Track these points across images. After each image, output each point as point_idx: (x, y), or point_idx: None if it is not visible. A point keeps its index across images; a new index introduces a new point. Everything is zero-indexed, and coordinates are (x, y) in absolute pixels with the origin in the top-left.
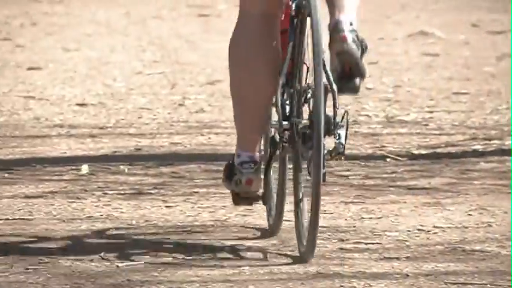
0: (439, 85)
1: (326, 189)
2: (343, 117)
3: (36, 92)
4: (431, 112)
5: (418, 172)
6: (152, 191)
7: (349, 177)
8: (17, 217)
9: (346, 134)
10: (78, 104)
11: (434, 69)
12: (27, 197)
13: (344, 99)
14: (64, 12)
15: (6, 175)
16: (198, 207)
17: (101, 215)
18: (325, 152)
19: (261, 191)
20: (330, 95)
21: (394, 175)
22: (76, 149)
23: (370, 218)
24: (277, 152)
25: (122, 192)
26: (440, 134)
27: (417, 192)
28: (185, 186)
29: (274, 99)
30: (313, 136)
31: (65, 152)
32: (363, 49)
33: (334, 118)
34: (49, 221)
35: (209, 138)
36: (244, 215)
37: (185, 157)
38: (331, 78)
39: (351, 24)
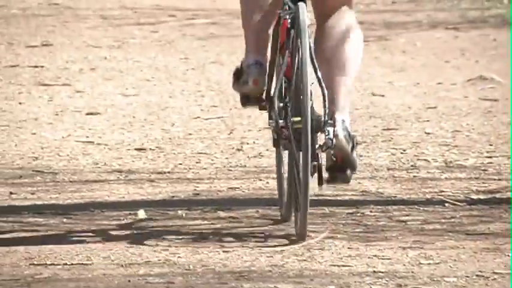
0: (498, 130)
1: (384, 235)
2: (332, 114)
3: (95, 137)
4: (490, 157)
5: (477, 217)
6: (210, 236)
7: (408, 223)
8: (75, 262)
9: (334, 130)
10: (136, 149)
11: (494, 114)
12: (85, 242)
13: (404, 144)
14: (123, 57)
15: (64, 220)
16: (256, 252)
17: (159, 260)
18: (317, 146)
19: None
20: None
21: (452, 220)
22: (134, 194)
23: (429, 263)
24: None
25: (180, 237)
26: (499, 179)
27: (476, 237)
28: (243, 231)
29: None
30: (302, 131)
31: (123, 197)
32: (354, 145)
33: (324, 116)
34: (107, 266)
35: (267, 183)
36: (302, 260)
37: (243, 202)
38: (321, 80)
39: (343, 122)
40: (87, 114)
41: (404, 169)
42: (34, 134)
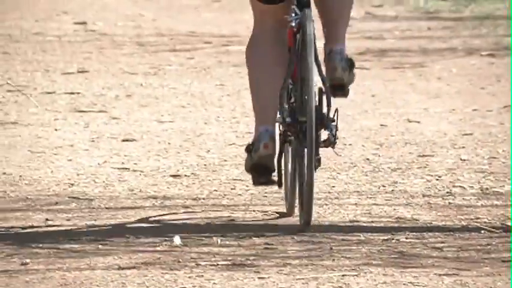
0: None
1: (419, 262)
2: (335, 113)
3: (131, 164)
4: None
5: None
6: (245, 262)
7: (443, 249)
8: None
9: (337, 127)
10: (171, 176)
11: None
12: (120, 268)
13: (439, 171)
14: (159, 84)
15: (100, 246)
16: (291, 278)
17: (194, 286)
18: (320, 141)
19: (275, 177)
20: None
21: (488, 247)
22: (169, 220)
23: None
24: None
25: (215, 263)
26: None
27: None
28: (278, 258)
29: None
30: (307, 128)
31: (158, 223)
32: (351, 66)
33: (328, 114)
34: None
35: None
36: (337, 287)
37: (278, 228)
38: (325, 80)
39: (341, 53)
40: (123, 140)
41: (439, 196)
42: (70, 160)
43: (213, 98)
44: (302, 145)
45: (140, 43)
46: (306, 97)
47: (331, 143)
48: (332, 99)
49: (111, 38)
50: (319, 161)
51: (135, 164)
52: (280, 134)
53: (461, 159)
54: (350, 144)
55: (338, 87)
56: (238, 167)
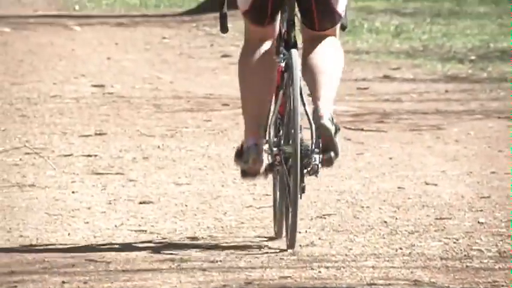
0: None
1: None
2: (317, 143)
3: (148, 226)
4: None
5: None
6: None
7: None
8: None
9: (320, 157)
10: (189, 238)
11: None
12: None
13: (457, 234)
14: (176, 146)
15: None
16: None
17: None
18: (305, 171)
19: (262, 169)
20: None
21: None
22: (186, 283)
23: None
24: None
25: None
26: None
27: None
28: None
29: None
30: (292, 159)
31: (175, 286)
32: (337, 129)
33: (311, 145)
34: None
35: (319, 272)
36: None
37: None
38: (309, 115)
39: (327, 112)
40: (140, 203)
41: (457, 259)
42: (87, 223)
43: (230, 160)
44: (288, 174)
45: (157, 105)
46: (292, 130)
47: (315, 171)
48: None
49: (128, 101)
50: (303, 188)
51: (152, 226)
52: (269, 165)
53: (478, 222)
54: (367, 207)
55: (324, 149)
56: (255, 229)
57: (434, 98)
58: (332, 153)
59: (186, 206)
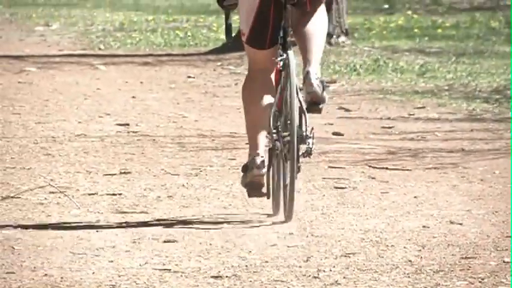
0: None
1: None
2: (311, 131)
3: (172, 265)
4: None
5: None
6: None
7: None
8: None
9: (313, 141)
10: (213, 277)
11: None
12: None
13: (482, 274)
14: (200, 185)
15: None
16: None
17: None
18: (300, 153)
19: (265, 190)
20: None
21: None
22: None
23: None
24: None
25: None
26: None
27: None
28: None
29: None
30: (290, 142)
31: None
32: (324, 86)
33: (306, 131)
34: None
35: None
36: None
37: None
38: (304, 105)
39: (315, 73)
40: (164, 241)
41: None
42: (111, 261)
43: (254, 199)
44: (285, 157)
45: (182, 144)
46: (289, 120)
47: (308, 153)
48: (308, 119)
49: (153, 139)
50: (299, 168)
51: (176, 265)
52: (269, 149)
53: (504, 262)
54: (392, 246)
55: (314, 103)
56: (279, 268)
57: (459, 137)
58: (321, 105)
59: (210, 244)
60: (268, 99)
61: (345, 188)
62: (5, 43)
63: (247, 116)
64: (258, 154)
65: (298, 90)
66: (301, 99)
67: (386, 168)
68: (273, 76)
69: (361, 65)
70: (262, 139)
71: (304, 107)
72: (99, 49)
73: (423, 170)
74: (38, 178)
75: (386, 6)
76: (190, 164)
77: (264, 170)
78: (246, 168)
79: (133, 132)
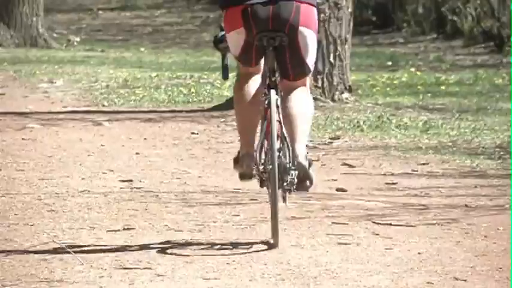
0: None
1: None
2: (294, 163)
3: None
4: None
5: None
6: None
7: None
8: None
9: (296, 173)
10: None
11: None
12: None
13: None
14: (204, 240)
15: None
16: None
17: None
18: (285, 184)
19: (254, 172)
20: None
21: None
22: None
23: None
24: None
25: None
26: None
27: None
28: None
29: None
30: (270, 176)
31: None
32: (310, 164)
33: (288, 163)
34: None
35: None
36: None
37: None
38: (287, 139)
39: (302, 152)
40: None
41: None
42: None
43: (258, 255)
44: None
45: (185, 200)
46: (270, 153)
47: (292, 184)
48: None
49: (156, 195)
50: (283, 198)
51: None
52: (259, 180)
53: None
54: None
55: (302, 180)
56: None
57: (462, 193)
58: (307, 182)
59: None
60: (256, 101)
61: (349, 244)
62: (8, 100)
63: (238, 117)
64: (247, 152)
65: (280, 124)
66: (286, 133)
67: (390, 224)
68: (259, 78)
69: (365, 122)
70: (252, 137)
71: (289, 140)
72: (103, 106)
73: (427, 226)
74: (42, 234)
75: (389, 63)
76: (193, 220)
77: (251, 168)
78: (236, 161)
79: (136, 188)
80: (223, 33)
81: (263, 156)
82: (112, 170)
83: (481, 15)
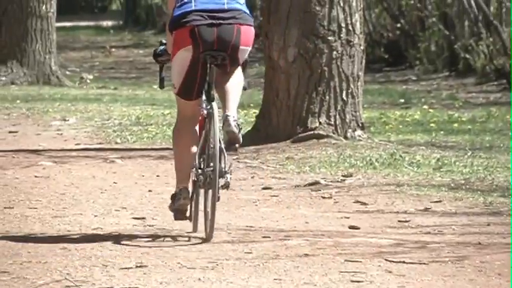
0: None
1: None
2: (230, 167)
3: None
4: None
5: None
6: None
7: None
8: None
9: (230, 176)
10: None
11: None
12: None
13: None
14: (216, 278)
15: None
16: None
17: None
18: (219, 185)
19: (188, 214)
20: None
21: None
22: None
23: None
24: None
25: None
26: None
27: None
28: None
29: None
30: (212, 179)
31: None
32: (239, 128)
33: (225, 167)
34: None
35: None
36: None
37: None
38: (223, 145)
39: (233, 117)
40: None
41: None
42: None
43: None
44: (207, 188)
45: (198, 237)
46: (212, 157)
47: (226, 186)
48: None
49: (169, 233)
50: (218, 198)
51: None
52: (194, 181)
53: None
54: None
55: (231, 143)
56: None
57: (476, 231)
58: (236, 145)
59: None
60: (192, 143)
61: (362, 282)
62: (21, 137)
63: (176, 156)
64: (184, 187)
65: (219, 135)
66: (221, 141)
67: (403, 262)
68: (197, 127)
69: (377, 159)
70: (187, 175)
71: (223, 146)
72: (116, 143)
73: (440, 264)
74: (54, 272)
75: (402, 100)
76: (206, 258)
77: (188, 200)
78: (174, 197)
79: (149, 225)
80: (162, 47)
81: (202, 162)
82: (125, 208)
83: (493, 52)
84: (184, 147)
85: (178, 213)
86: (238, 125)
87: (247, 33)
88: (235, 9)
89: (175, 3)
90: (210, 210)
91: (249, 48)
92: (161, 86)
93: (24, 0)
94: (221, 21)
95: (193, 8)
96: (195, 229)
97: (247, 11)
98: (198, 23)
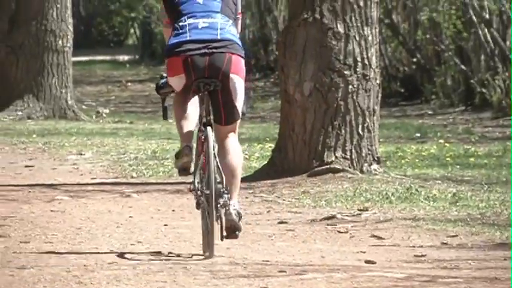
0: None
1: None
2: (226, 188)
3: None
4: None
5: None
6: None
7: None
8: None
9: (228, 196)
10: None
11: None
12: None
13: None
14: None
15: None
16: None
17: None
18: (219, 205)
19: (191, 170)
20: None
21: None
22: None
23: None
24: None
25: None
26: None
27: None
28: None
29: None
30: (209, 199)
31: None
32: (240, 216)
33: (222, 188)
34: None
35: None
36: None
37: None
38: (222, 172)
39: (234, 205)
40: None
41: None
42: None
43: None
44: (208, 206)
45: (213, 272)
46: (209, 180)
47: (226, 205)
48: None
49: (185, 267)
50: (218, 217)
51: None
52: (196, 203)
53: None
54: None
55: (232, 231)
56: None
57: (492, 266)
58: (237, 232)
59: None
60: (190, 105)
61: None
62: (37, 172)
63: (177, 119)
64: (186, 145)
65: (216, 156)
66: (218, 163)
67: None
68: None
69: (393, 193)
70: (190, 132)
71: (224, 179)
72: (132, 177)
73: None
74: None
75: (418, 134)
76: None
77: (191, 156)
78: (178, 155)
79: (165, 260)
80: (163, 80)
81: (201, 183)
82: (140, 242)
83: (509, 87)
84: (183, 112)
85: (182, 170)
86: (238, 213)
87: (238, 63)
88: (227, 40)
89: (171, 33)
90: (209, 228)
91: (240, 80)
92: (165, 117)
93: (40, 34)
94: (213, 50)
95: (187, 38)
96: (204, 248)
97: (239, 42)
98: (192, 53)
